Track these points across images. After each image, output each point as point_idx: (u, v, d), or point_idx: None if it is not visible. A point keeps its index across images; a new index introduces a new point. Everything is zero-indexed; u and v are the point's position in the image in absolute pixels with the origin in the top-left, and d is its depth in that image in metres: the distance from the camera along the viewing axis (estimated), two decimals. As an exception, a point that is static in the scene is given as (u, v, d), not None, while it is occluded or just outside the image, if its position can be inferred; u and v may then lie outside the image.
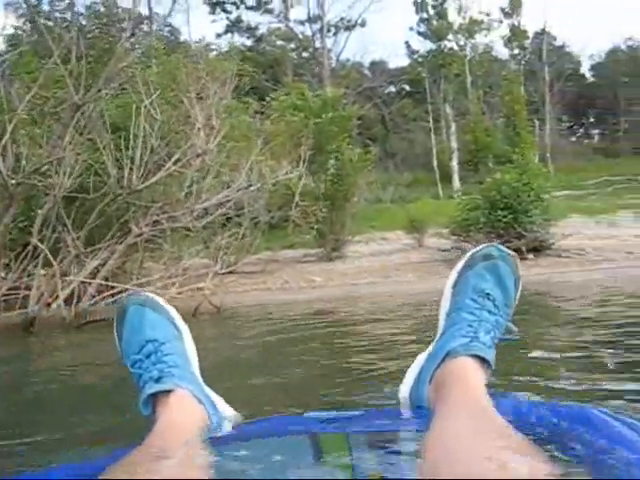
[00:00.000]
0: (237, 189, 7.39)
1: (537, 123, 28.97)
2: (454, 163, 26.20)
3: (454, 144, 26.64)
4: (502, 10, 33.56)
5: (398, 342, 3.83)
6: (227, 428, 1.32)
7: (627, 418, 1.06)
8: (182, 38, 27.94)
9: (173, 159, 6.66)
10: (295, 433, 1.24)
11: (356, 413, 1.37)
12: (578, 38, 43.78)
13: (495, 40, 35.57)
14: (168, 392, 1.28)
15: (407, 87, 38.32)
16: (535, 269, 10.69)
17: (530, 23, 36.99)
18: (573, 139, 41.45)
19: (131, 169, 6.41)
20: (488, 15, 33.07)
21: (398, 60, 51.01)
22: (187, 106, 6.94)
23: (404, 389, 1.42)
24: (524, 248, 11.49)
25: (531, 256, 11.54)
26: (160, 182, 6.93)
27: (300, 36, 32.48)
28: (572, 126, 42.36)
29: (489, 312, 1.33)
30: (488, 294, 1.34)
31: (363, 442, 1.18)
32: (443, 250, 13.24)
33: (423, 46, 32.14)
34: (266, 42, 31.26)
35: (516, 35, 33.90)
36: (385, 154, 29.58)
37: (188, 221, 7.19)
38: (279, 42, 32.03)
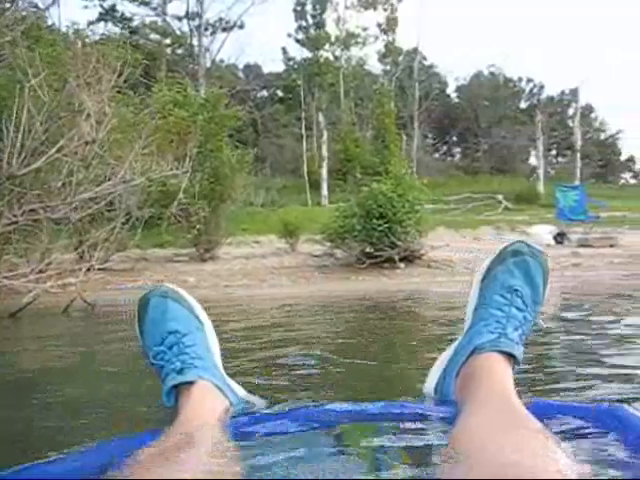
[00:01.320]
0: (119, 182, 7.06)
1: (405, 138, 29.84)
2: (324, 171, 26.49)
3: (325, 152, 26.95)
4: (379, 26, 34.52)
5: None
6: (249, 418, 1.29)
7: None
8: (50, 21, 26.57)
9: (57, 145, 6.28)
10: (319, 424, 1.22)
11: (380, 405, 1.34)
12: (446, 60, 45.76)
13: (369, 54, 36.58)
14: (190, 383, 1.29)
15: (280, 93, 38.48)
16: (407, 278, 10.99)
17: (404, 41, 38.16)
18: (436, 156, 43.09)
19: (11, 153, 5.97)
20: (365, 30, 33.95)
21: (272, 65, 51.11)
22: (74, 91, 6.58)
23: (430, 383, 1.42)
24: (397, 257, 11.78)
25: (402, 265, 11.84)
26: (42, 169, 6.53)
27: (177, 32, 31.87)
28: (436, 143, 44.03)
29: (517, 308, 1.33)
30: (517, 290, 1.34)
31: (387, 434, 1.16)
32: (316, 256, 13.37)
33: (300, 53, 32.45)
34: (140, 35, 30.35)
35: (390, 51, 34.95)
36: (255, 158, 29.52)
37: (66, 212, 6.79)
38: (154, 36, 31.22)
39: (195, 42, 30.71)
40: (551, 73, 75.70)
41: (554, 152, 43.20)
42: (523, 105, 44.10)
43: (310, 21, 31.07)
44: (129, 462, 1.00)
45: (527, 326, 1.33)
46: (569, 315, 4.39)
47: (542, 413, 1.12)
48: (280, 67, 36.19)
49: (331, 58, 32.01)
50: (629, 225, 17.34)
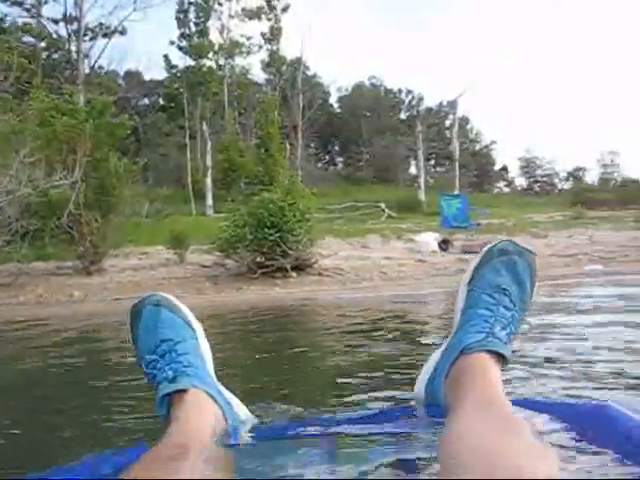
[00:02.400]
0: (1, 192, 6.68)
1: (289, 147, 29.98)
2: (208, 181, 26.21)
3: (209, 162, 26.67)
4: (263, 36, 34.55)
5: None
6: (242, 428, 1.30)
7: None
8: None
9: None
10: (311, 434, 1.21)
11: (371, 412, 1.37)
12: (329, 70, 46.60)
13: (253, 64, 36.56)
14: (183, 392, 1.26)
15: (162, 101, 37.80)
16: (299, 287, 11.02)
17: (288, 51, 38.33)
18: (319, 165, 43.57)
19: None
20: (249, 39, 33.88)
21: (154, 73, 50.11)
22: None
23: (419, 385, 1.40)
24: (288, 266, 11.79)
25: (294, 274, 11.86)
26: None
27: (54, 35, 30.66)
28: (318, 153, 44.54)
29: (505, 308, 1.31)
30: (504, 289, 1.33)
31: (379, 441, 1.15)
32: (205, 266, 13.20)
33: (183, 61, 31.92)
34: (12, 37, 28.95)
35: (274, 61, 35.05)
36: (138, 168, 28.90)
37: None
38: (28, 39, 29.84)
39: (73, 47, 29.64)
40: (429, 85, 78.24)
41: (433, 162, 44.64)
42: (403, 116, 45.44)
43: (193, 29, 30.66)
44: (122, 473, 0.99)
45: (515, 325, 1.31)
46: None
47: (529, 411, 1.12)
48: (162, 75, 35.52)
49: (215, 67, 31.73)
50: (506, 232, 18.09)
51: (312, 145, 42.43)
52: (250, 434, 1.27)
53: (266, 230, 11.61)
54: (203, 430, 1.17)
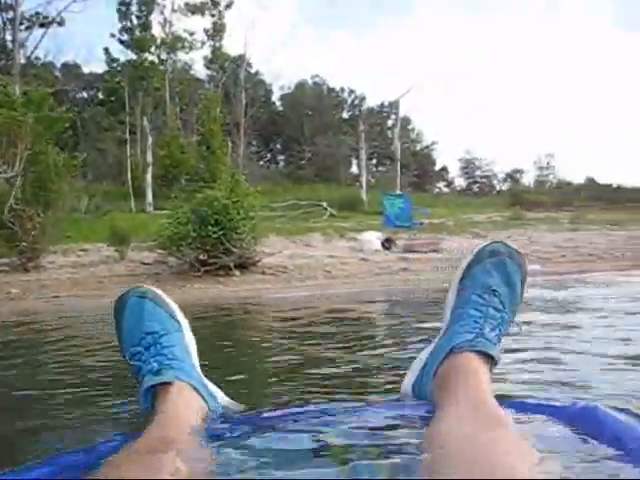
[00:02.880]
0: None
1: (230, 145, 29.74)
2: (148, 177, 25.79)
3: (149, 158, 26.24)
4: (206, 31, 34.21)
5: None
6: (226, 420, 1.30)
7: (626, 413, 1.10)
8: None
9: None
10: (296, 425, 1.23)
11: (357, 405, 1.38)
12: (272, 68, 46.54)
13: (195, 59, 36.18)
14: (167, 384, 1.26)
15: (101, 95, 37.05)
16: (243, 285, 10.94)
17: (231, 48, 38.04)
18: (261, 163, 43.41)
19: None
20: (192, 34, 33.48)
21: (93, 66, 48.97)
22: None
23: (407, 382, 1.42)
24: (231, 264, 11.70)
25: (238, 273, 11.77)
26: None
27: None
28: (260, 151, 44.39)
29: (495, 309, 1.33)
30: (495, 291, 1.35)
31: (363, 435, 1.16)
32: (147, 263, 13.00)
33: (124, 55, 31.34)
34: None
35: (217, 57, 34.76)
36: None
37: None
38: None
39: (9, 36, 28.80)
40: (372, 85, 78.79)
41: (374, 161, 44.96)
42: (345, 115, 45.64)
43: (135, 22, 30.15)
44: (104, 465, 0.98)
45: (505, 326, 1.34)
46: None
47: (518, 412, 1.13)
48: (102, 68, 34.78)
49: (156, 61, 31.27)
50: (447, 232, 18.36)
51: (254, 143, 42.24)
52: (234, 426, 1.25)
53: (210, 228, 11.50)
54: (187, 423, 1.17)
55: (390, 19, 78.53)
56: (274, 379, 2.56)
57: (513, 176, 45.63)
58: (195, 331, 1.52)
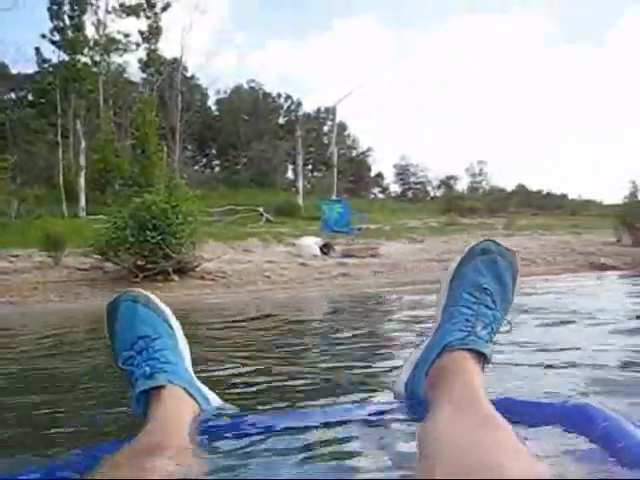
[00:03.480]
0: None
1: (165, 149, 29.40)
2: (81, 181, 25.21)
3: (82, 162, 25.67)
4: (141, 34, 33.65)
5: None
6: (220, 424, 1.29)
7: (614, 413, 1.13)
8: None
9: None
10: (288, 428, 1.23)
11: (351, 407, 1.41)
12: (207, 72, 46.19)
13: (130, 62, 35.54)
14: (160, 388, 1.25)
15: (31, 96, 36.04)
16: (182, 290, 10.82)
17: (167, 51, 37.50)
18: (196, 168, 43.01)
19: None
20: (127, 36, 32.86)
21: (22, 66, 47.58)
22: None
23: (400, 381, 1.41)
24: (170, 269, 11.56)
25: (176, 278, 11.64)
26: None
27: None
28: (195, 155, 43.99)
29: (487, 307, 1.34)
30: (486, 289, 1.35)
31: (356, 434, 1.18)
32: (83, 269, 12.72)
33: (56, 56, 30.53)
34: None
35: (152, 60, 34.26)
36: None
37: None
38: None
39: None
40: (308, 91, 78.97)
41: (310, 167, 45.09)
42: (282, 121, 45.64)
43: (67, 22, 29.43)
44: (98, 468, 0.98)
45: (496, 324, 1.34)
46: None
47: (510, 409, 1.15)
48: (32, 68, 33.79)
49: (90, 63, 30.56)
50: (385, 237, 18.56)
51: (189, 147, 41.83)
52: (227, 428, 1.25)
53: (148, 232, 11.32)
54: (180, 427, 1.16)
55: (326, 25, 79.00)
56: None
57: (447, 183, 46.42)
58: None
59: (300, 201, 27.65)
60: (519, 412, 1.20)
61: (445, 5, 77.35)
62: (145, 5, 33.21)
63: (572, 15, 74.03)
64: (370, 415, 1.29)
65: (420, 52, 74.33)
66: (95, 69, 30.81)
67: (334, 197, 25.83)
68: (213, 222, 21.82)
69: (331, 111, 32.90)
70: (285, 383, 2.22)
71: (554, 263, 13.64)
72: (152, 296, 1.47)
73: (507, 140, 77.98)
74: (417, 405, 1.27)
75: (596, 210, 32.10)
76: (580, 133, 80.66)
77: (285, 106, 46.50)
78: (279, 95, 46.00)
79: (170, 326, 1.44)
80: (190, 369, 1.42)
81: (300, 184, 28.90)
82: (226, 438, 1.20)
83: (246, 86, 44.49)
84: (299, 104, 46.20)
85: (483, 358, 1.26)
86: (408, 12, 73.57)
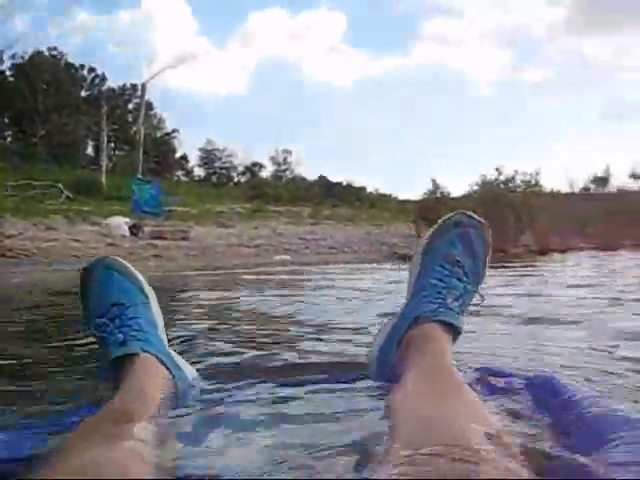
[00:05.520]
0: None
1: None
2: None
3: None
4: None
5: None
6: (193, 392, 1.33)
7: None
8: None
9: None
10: (258, 394, 1.28)
11: (319, 377, 1.45)
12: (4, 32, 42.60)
13: None
14: (133, 356, 1.26)
15: None
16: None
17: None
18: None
19: None
20: None
21: None
22: None
23: (373, 350, 1.45)
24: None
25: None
26: None
27: None
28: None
29: (458, 279, 1.37)
30: (458, 261, 1.39)
31: (322, 401, 1.25)
32: None
33: None
34: None
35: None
36: None
37: None
38: None
39: None
40: (112, 66, 75.62)
41: (112, 145, 43.39)
42: (84, 94, 43.42)
43: None
44: (67, 435, 0.99)
45: (468, 297, 1.38)
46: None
47: (479, 377, 1.22)
48: None
49: None
50: (194, 221, 18.39)
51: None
52: (199, 398, 1.29)
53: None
54: (151, 395, 1.17)
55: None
56: None
57: (252, 169, 46.69)
58: None
59: (103, 179, 26.57)
60: (490, 380, 1.28)
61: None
62: None
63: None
64: (339, 380, 1.33)
65: (232, 35, 74.00)
66: None
67: (139, 176, 25.09)
68: (8, 197, 20.41)
69: (140, 89, 31.80)
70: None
71: (360, 252, 14.30)
72: (127, 263, 1.46)
73: (311, 130, 79.91)
74: (387, 374, 1.32)
75: (393, 204, 33.96)
76: (377, 130, 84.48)
77: (89, 79, 44.33)
78: (82, 66, 43.76)
79: (144, 294, 1.43)
80: (164, 337, 1.42)
81: (104, 162, 27.74)
82: (198, 406, 1.23)
83: (47, 53, 41.85)
84: (103, 78, 44.20)
85: (454, 330, 1.31)
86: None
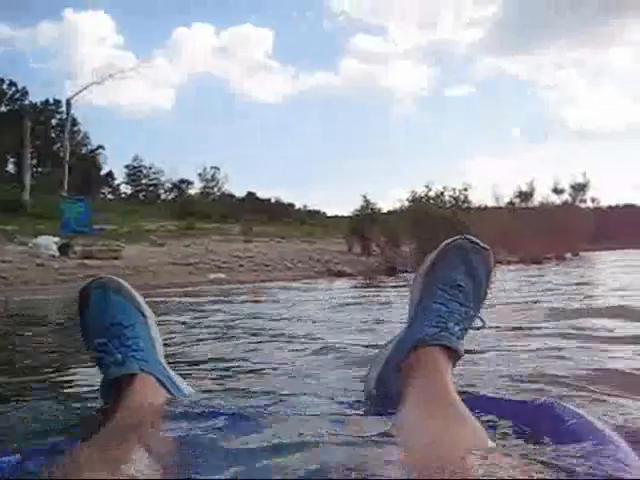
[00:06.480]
0: None
1: None
2: None
3: None
4: None
5: None
6: (190, 412, 1.27)
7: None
8: None
9: None
10: (257, 420, 1.21)
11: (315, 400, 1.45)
12: None
13: None
14: (131, 376, 1.26)
15: None
16: None
17: None
18: None
19: None
20: None
21: None
22: None
23: (371, 376, 1.42)
24: None
25: None
26: None
27: None
28: None
29: (459, 303, 1.35)
30: (459, 285, 1.37)
31: (323, 422, 1.18)
32: None
33: None
34: None
35: None
36: None
37: None
38: None
39: None
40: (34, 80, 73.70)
41: (35, 161, 42.29)
42: (4, 109, 42.22)
43: None
44: (67, 455, 0.97)
45: (469, 321, 1.36)
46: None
47: (479, 406, 1.21)
48: None
49: None
50: (125, 239, 18.05)
51: None
52: (198, 418, 1.23)
53: None
54: (150, 414, 1.17)
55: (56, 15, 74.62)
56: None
57: (179, 186, 46.22)
58: None
59: (27, 197, 25.80)
60: (488, 408, 1.26)
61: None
62: None
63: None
64: (339, 405, 1.32)
65: (158, 51, 73.24)
66: None
67: (65, 194, 24.46)
68: None
69: (65, 104, 31.09)
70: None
71: (295, 269, 14.31)
72: (125, 283, 1.44)
73: (239, 148, 79.81)
74: (388, 398, 1.28)
75: (321, 220, 34.15)
76: (305, 146, 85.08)
77: (9, 94, 43.12)
78: (2, 80, 42.55)
79: (143, 314, 1.42)
80: (162, 357, 1.41)
81: (27, 179, 26.97)
82: (197, 427, 1.17)
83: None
84: (25, 93, 43.12)
85: (455, 354, 1.29)
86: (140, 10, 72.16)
